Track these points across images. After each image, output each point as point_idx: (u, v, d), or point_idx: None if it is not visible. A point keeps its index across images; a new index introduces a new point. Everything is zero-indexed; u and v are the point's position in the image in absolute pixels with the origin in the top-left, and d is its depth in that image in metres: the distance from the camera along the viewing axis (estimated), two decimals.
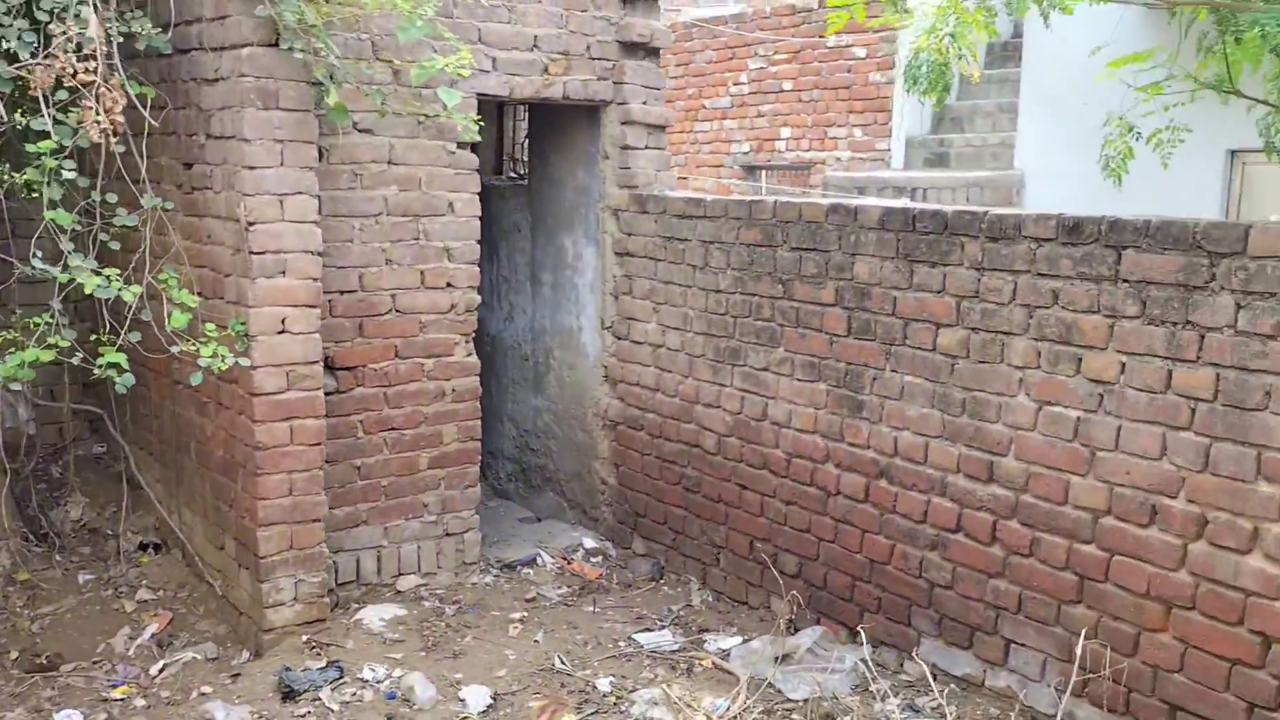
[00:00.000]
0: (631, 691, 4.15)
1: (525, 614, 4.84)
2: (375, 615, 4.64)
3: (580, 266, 5.71)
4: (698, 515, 5.16)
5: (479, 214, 5.03)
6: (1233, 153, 6.84)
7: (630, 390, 5.48)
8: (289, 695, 4.03)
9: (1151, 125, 4.95)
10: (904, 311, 4.12)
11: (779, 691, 4.11)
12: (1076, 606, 3.67)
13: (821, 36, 9.29)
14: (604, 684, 4.20)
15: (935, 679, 3.99)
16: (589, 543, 5.66)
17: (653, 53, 5.45)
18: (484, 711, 3.99)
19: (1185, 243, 3.28)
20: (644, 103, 5.39)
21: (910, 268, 4.08)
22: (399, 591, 4.94)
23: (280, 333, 4.26)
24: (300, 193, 4.26)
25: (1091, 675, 3.54)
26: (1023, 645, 3.85)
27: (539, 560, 5.42)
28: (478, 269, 5.07)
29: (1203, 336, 3.25)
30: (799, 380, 4.58)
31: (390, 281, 4.81)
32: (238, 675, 4.23)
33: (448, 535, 5.15)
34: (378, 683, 4.14)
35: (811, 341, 4.50)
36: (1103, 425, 3.52)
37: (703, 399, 5.06)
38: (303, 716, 3.93)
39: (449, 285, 4.97)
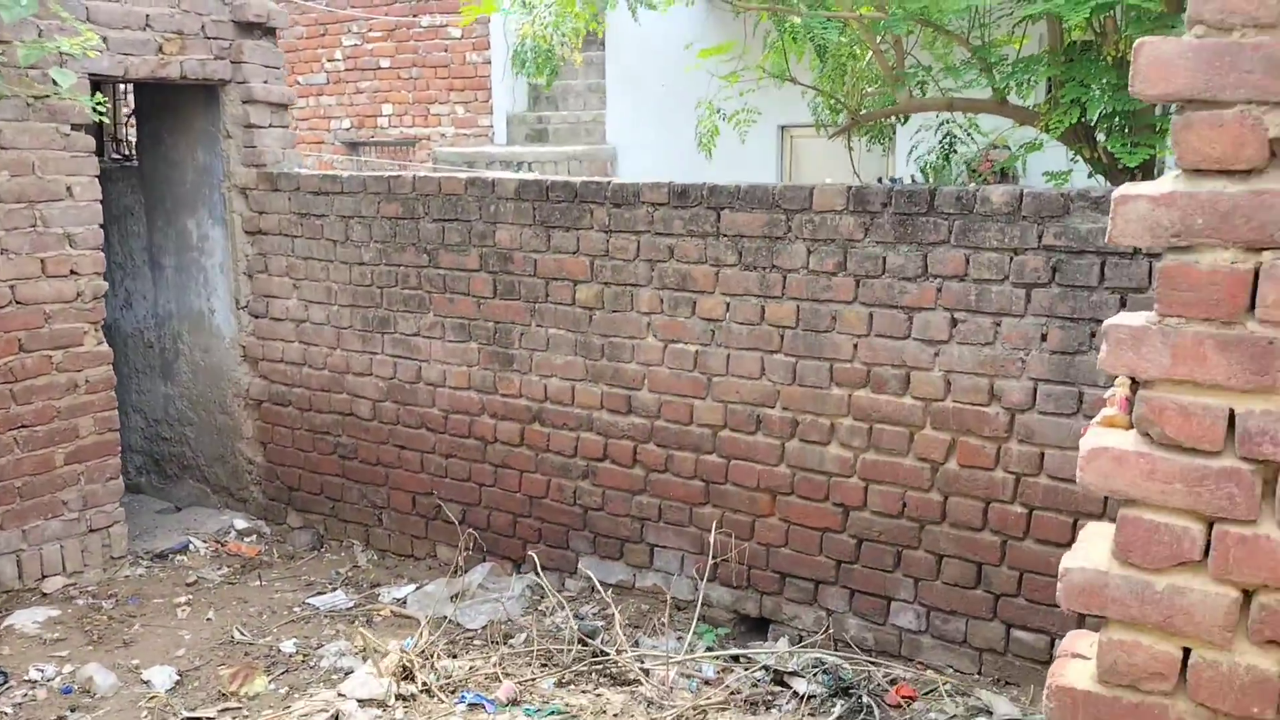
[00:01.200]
0: (318, 648, 4.35)
1: (190, 597, 4.82)
2: (27, 619, 4.42)
3: (207, 248, 5.64)
4: (356, 481, 5.38)
5: (100, 197, 4.86)
6: (782, 128, 8.13)
7: (274, 368, 5.55)
8: None
9: (732, 107, 5.84)
10: (544, 272, 4.64)
11: (459, 625, 4.51)
12: (704, 507, 4.42)
13: (415, 16, 9.58)
14: (288, 646, 4.37)
15: (593, 589, 4.61)
16: (240, 524, 5.66)
17: (269, 32, 5.50)
18: (172, 689, 4.01)
19: (767, 203, 4.07)
20: (265, 81, 5.44)
21: (547, 233, 4.60)
22: (45, 594, 4.71)
23: None
24: None
25: (721, 560, 4.30)
26: (664, 547, 4.55)
27: (191, 547, 5.36)
28: (103, 254, 4.91)
29: (785, 277, 4.07)
30: (450, 342, 4.96)
31: (8, 272, 4.54)
32: None
33: (92, 531, 4.97)
34: (48, 681, 4.01)
35: (460, 305, 4.90)
36: (716, 355, 4.27)
37: (354, 368, 5.27)
38: None
39: (73, 273, 4.77)
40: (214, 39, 5.25)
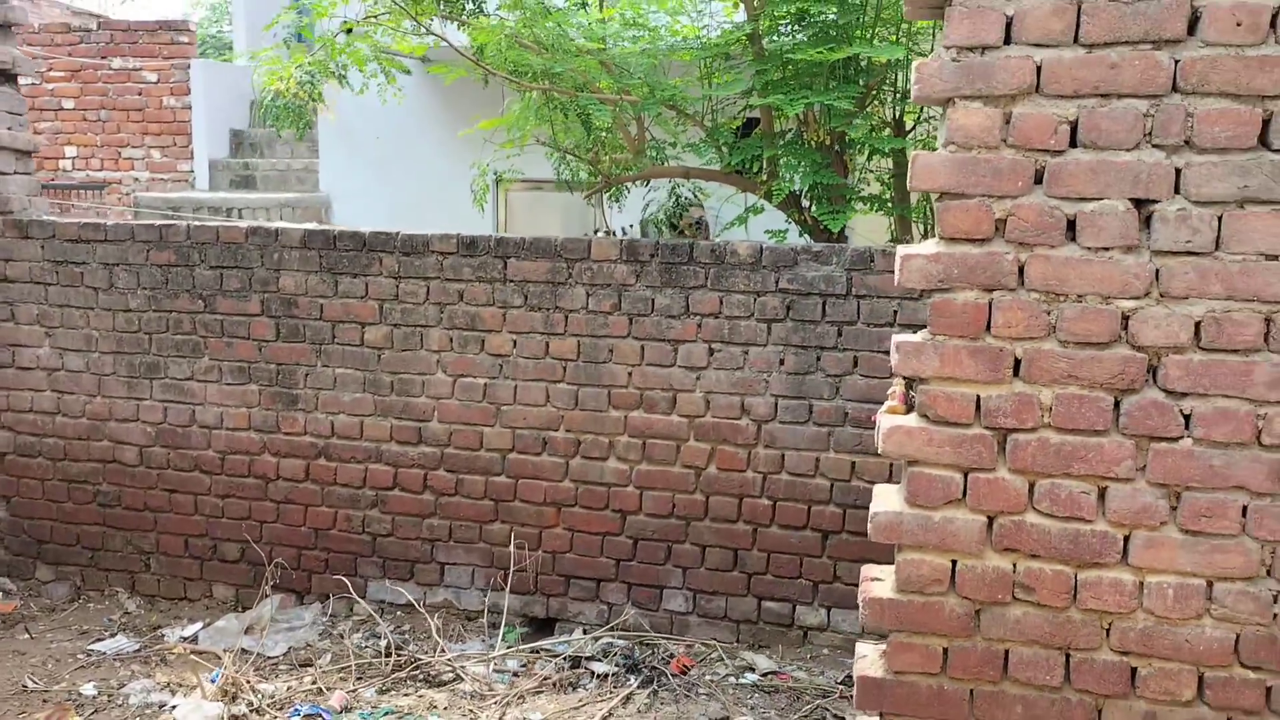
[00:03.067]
0: (120, 688, 4.39)
1: None
2: None
3: None
4: (119, 528, 5.35)
5: None
6: (497, 181, 8.80)
7: (21, 418, 5.38)
8: None
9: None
10: (331, 315, 4.98)
11: (260, 655, 4.70)
12: (494, 524, 4.94)
13: (104, 58, 9.30)
14: (89, 689, 4.36)
15: (383, 612, 4.98)
16: None
17: (12, 79, 5.40)
18: None
19: (550, 252, 4.72)
20: (9, 128, 5.32)
21: (335, 279, 4.95)
22: None
23: None
24: None
25: (516, 570, 4.84)
26: (455, 564, 5.01)
27: None
28: None
29: (567, 316, 4.73)
30: (228, 385, 5.13)
31: None
32: None
33: None
34: None
35: (239, 348, 5.10)
36: (504, 387, 4.83)
37: (117, 415, 5.27)
38: None
39: None
40: None
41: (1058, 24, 2.38)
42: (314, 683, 4.35)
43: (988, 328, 2.52)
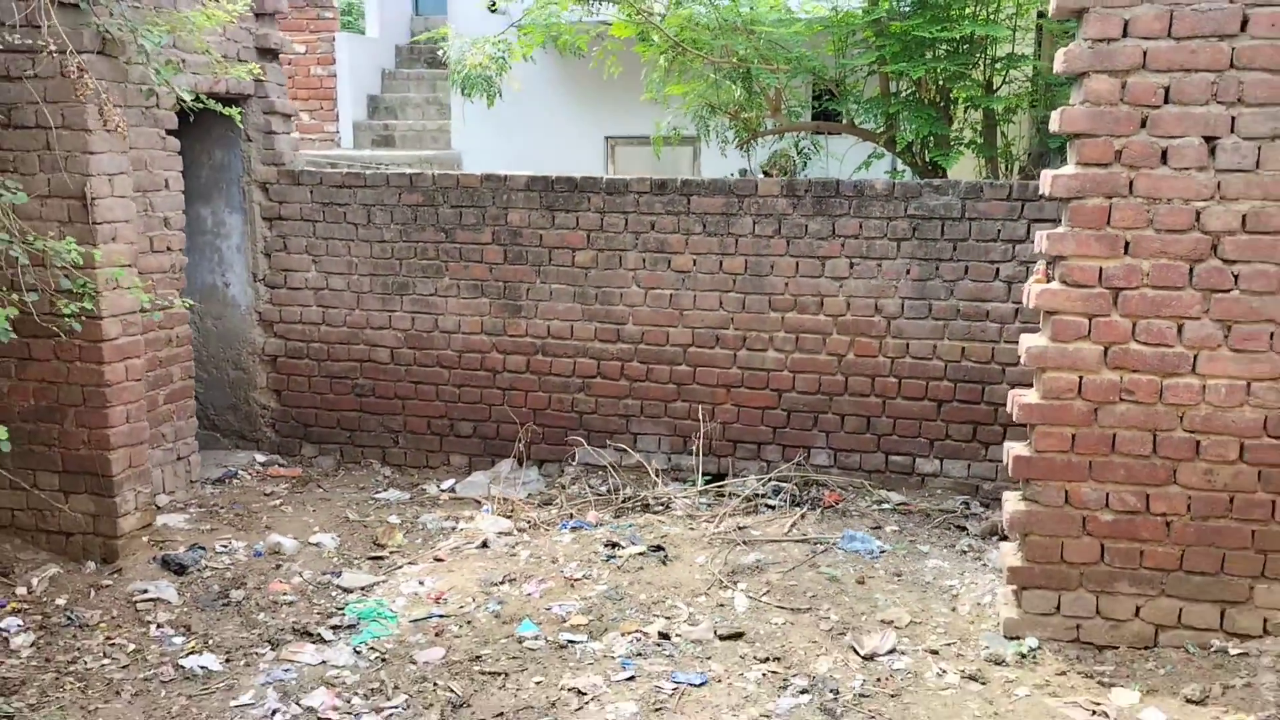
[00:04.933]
0: (416, 519, 5.83)
1: (280, 502, 6.07)
2: (172, 520, 5.54)
3: (224, 232, 6.78)
4: (373, 413, 6.78)
5: (183, 188, 5.99)
6: (608, 138, 10.17)
7: (291, 328, 6.79)
8: (181, 571, 4.97)
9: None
10: (548, 243, 6.38)
11: (506, 500, 6.13)
12: (676, 402, 6.37)
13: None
14: (394, 519, 5.80)
15: (589, 473, 6.43)
16: (260, 458, 6.84)
17: (276, 56, 6.76)
18: (337, 546, 5.39)
19: (724, 190, 6.11)
20: (279, 97, 6.70)
21: (552, 214, 6.34)
22: (159, 508, 5.77)
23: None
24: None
25: (699, 435, 6.27)
26: (645, 434, 6.45)
27: (238, 475, 6.52)
28: (184, 233, 6.02)
29: (737, 240, 6.12)
30: (465, 299, 6.54)
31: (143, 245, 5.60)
32: (118, 571, 4.97)
33: (179, 459, 6.06)
34: (235, 550, 5.25)
35: (474, 270, 6.50)
36: (686, 295, 6.24)
37: (372, 324, 6.68)
38: (209, 577, 4.94)
39: (168, 249, 5.88)
40: (244, 62, 6.45)
41: (1158, 25, 3.77)
42: (561, 511, 5.81)
43: (1108, 221, 3.93)
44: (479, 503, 6.05)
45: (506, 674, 4.10)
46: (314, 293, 6.75)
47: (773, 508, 5.87)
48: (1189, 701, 3.74)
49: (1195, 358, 3.94)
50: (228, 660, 4.25)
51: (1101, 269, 3.96)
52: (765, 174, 7.73)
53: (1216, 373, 3.93)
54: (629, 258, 6.30)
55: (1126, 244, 3.92)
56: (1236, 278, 3.86)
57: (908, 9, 6.19)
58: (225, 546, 5.30)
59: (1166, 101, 3.81)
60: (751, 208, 6.10)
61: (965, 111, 6.64)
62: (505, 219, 6.43)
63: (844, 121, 6.72)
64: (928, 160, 6.42)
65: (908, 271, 5.95)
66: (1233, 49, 3.74)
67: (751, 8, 6.29)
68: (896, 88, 6.61)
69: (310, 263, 6.72)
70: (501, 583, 4.94)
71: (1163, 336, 3.94)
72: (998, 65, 6.36)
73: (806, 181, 6.05)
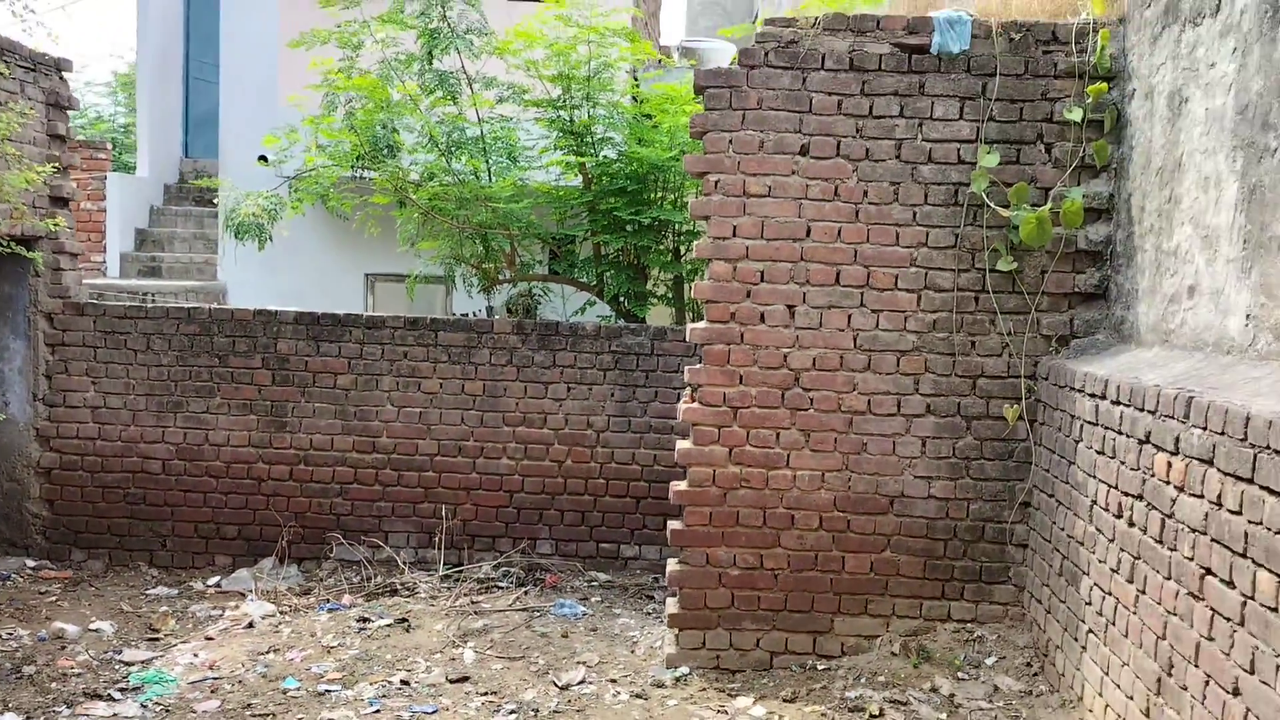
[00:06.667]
0: (185, 609, 6.66)
1: (56, 599, 6.72)
2: None
3: (6, 356, 7.48)
4: (143, 519, 7.54)
5: None
6: (368, 275, 11.38)
7: (67, 443, 7.51)
8: None
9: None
10: (313, 369, 7.50)
11: (269, 590, 7.06)
12: (423, 503, 7.55)
13: None
14: (164, 609, 6.61)
15: (344, 567, 7.46)
16: (30, 562, 7.42)
17: (68, 204, 7.65)
18: (115, 632, 6.15)
19: (466, 328, 7.49)
20: (69, 238, 7.56)
21: (317, 344, 7.49)
22: None
23: None
24: None
25: (440, 531, 7.45)
26: (395, 531, 7.56)
27: (11, 578, 7.09)
28: None
29: (477, 368, 7.49)
30: (234, 415, 7.51)
31: None
32: None
33: None
34: (20, 636, 5.92)
35: (244, 390, 7.51)
36: (433, 413, 7.50)
37: (146, 439, 7.51)
38: None
39: None
40: (38, 209, 7.32)
41: (754, 230, 5.52)
42: (319, 597, 6.81)
43: (728, 361, 5.57)
44: (244, 595, 6.95)
45: (274, 715, 5.10)
46: (91, 410, 7.53)
47: (502, 588, 7.11)
48: (785, 701, 5.26)
49: (788, 456, 5.59)
50: (28, 718, 5.01)
51: (725, 393, 5.58)
52: (509, 310, 9.13)
53: (802, 466, 5.60)
54: (385, 381, 7.52)
55: (740, 376, 5.57)
56: (811, 400, 5.57)
57: (614, 191, 7.90)
58: (10, 634, 5.97)
59: (762, 280, 5.54)
60: (489, 342, 7.50)
61: (659, 272, 8.38)
62: (275, 347, 7.52)
63: (566, 275, 8.31)
64: (629, 309, 8.07)
65: (612, 395, 7.49)
66: (802, 248, 5.53)
67: (490, 183, 7.80)
68: (606, 251, 8.27)
69: (90, 384, 7.52)
70: (267, 652, 5.90)
71: (767, 441, 5.59)
72: (682, 238, 8.16)
73: (533, 322, 7.54)
